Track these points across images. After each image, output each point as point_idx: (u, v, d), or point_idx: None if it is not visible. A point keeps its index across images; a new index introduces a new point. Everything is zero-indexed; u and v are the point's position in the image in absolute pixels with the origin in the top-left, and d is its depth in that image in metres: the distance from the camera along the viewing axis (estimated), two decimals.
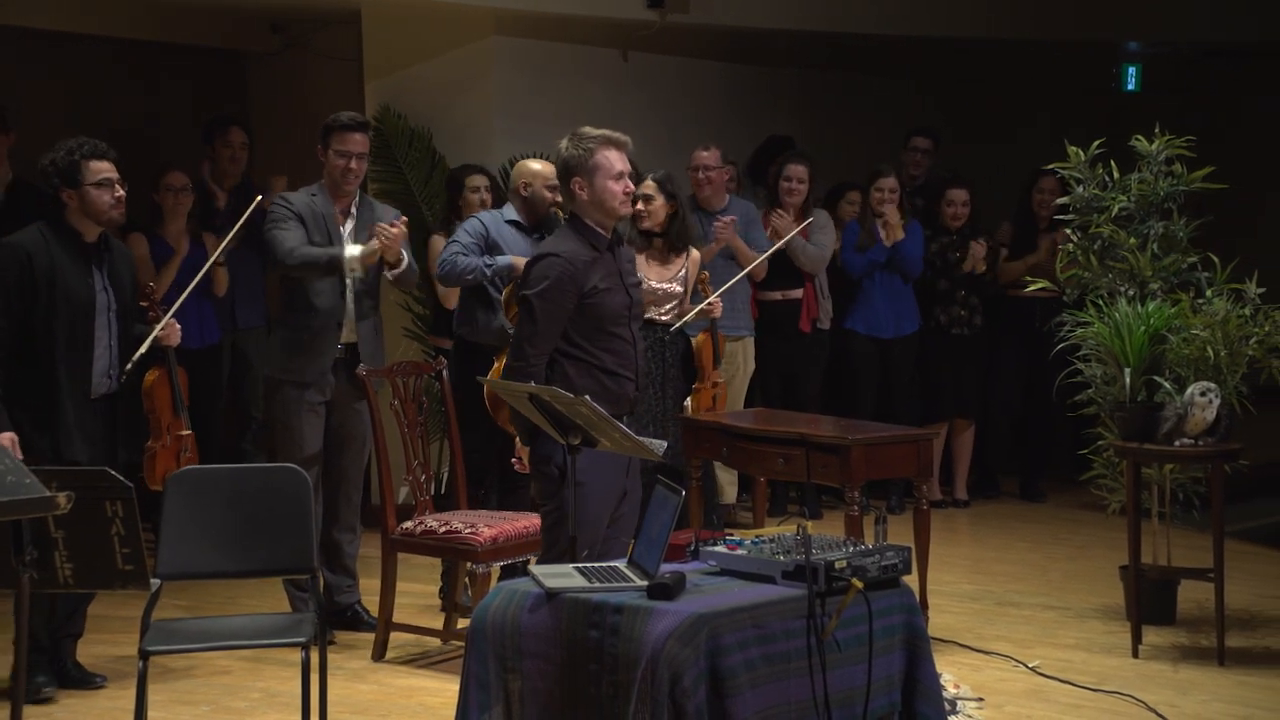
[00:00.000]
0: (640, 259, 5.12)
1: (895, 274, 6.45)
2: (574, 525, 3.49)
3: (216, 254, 5.01)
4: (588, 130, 3.62)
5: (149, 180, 5.82)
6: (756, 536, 3.32)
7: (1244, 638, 4.53)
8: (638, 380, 3.69)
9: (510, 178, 5.20)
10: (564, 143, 3.63)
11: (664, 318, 5.20)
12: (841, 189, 6.80)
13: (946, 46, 8.28)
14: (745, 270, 5.76)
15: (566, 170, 3.61)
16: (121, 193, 4.11)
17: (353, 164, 4.59)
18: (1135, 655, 4.36)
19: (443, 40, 6.88)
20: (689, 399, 5.25)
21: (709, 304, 5.20)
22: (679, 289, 5.20)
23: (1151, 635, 4.50)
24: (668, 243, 5.18)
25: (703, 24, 7.07)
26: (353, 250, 4.55)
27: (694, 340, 5.37)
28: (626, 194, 3.61)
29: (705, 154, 6.08)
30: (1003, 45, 8.35)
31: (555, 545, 3.65)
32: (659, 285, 5.16)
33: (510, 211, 5.02)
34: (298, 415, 4.60)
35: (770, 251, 5.89)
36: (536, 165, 5.02)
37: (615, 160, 3.58)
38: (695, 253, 5.33)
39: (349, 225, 4.64)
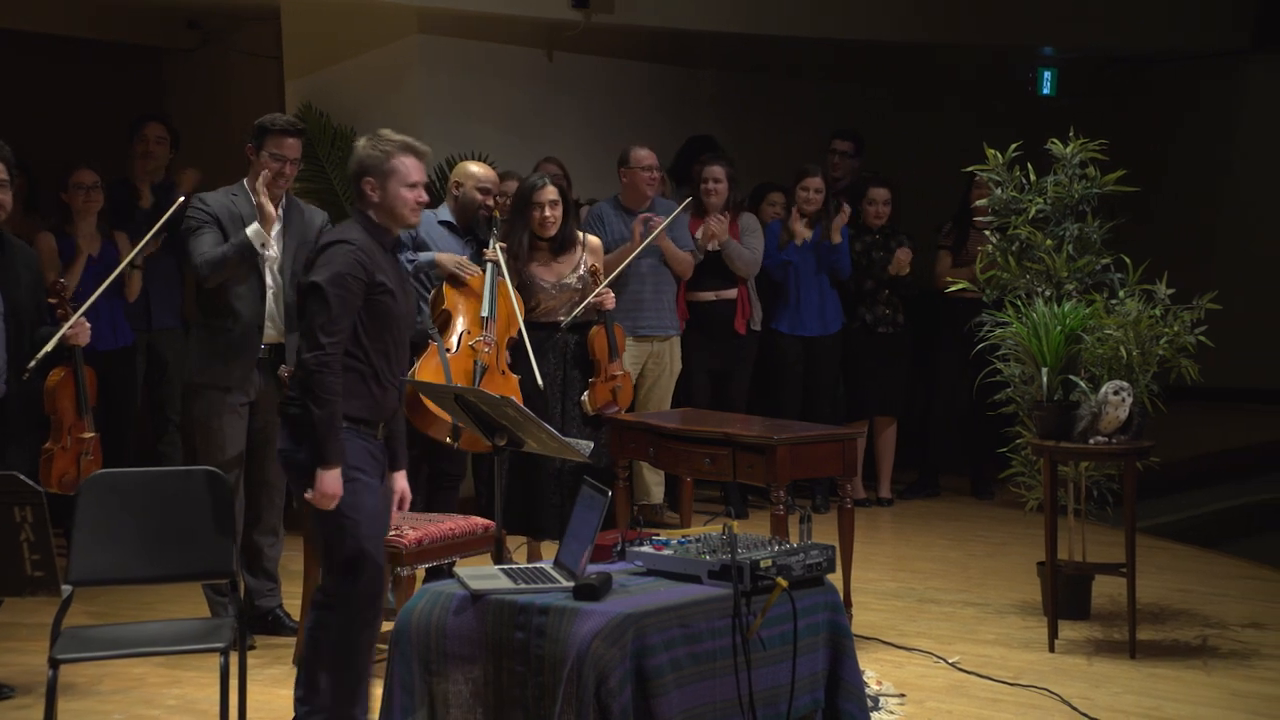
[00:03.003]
0: (533, 262, 5.12)
1: (824, 274, 6.51)
2: (500, 523, 3.48)
3: (131, 256, 4.89)
4: (388, 133, 3.53)
5: (57, 178, 5.68)
6: (683, 536, 3.34)
7: (1154, 631, 4.64)
8: (400, 390, 3.56)
9: (449, 177, 5.21)
10: (361, 141, 3.52)
11: (560, 317, 5.15)
12: (763, 190, 6.84)
13: (869, 50, 8.39)
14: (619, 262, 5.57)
15: (361, 169, 3.48)
16: (5, 195, 4.01)
17: (286, 169, 4.51)
18: (1051, 650, 4.45)
19: (365, 38, 6.81)
20: (584, 394, 5.16)
21: (598, 296, 5.12)
22: (576, 284, 5.14)
23: (1067, 630, 4.59)
24: (557, 242, 5.13)
25: (628, 24, 7.08)
26: (252, 228, 4.45)
27: (588, 335, 5.22)
28: (418, 204, 3.49)
29: (644, 153, 6.05)
30: (923, 49, 8.48)
31: (337, 558, 3.41)
32: (555, 283, 5.13)
33: (445, 211, 5.00)
34: (219, 417, 4.52)
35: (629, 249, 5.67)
36: (474, 168, 5.01)
37: (412, 169, 3.47)
38: (593, 239, 5.29)
39: (276, 228, 4.55)
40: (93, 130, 6.93)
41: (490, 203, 5.06)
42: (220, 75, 7.67)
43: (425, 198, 3.53)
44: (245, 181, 4.59)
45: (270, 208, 4.47)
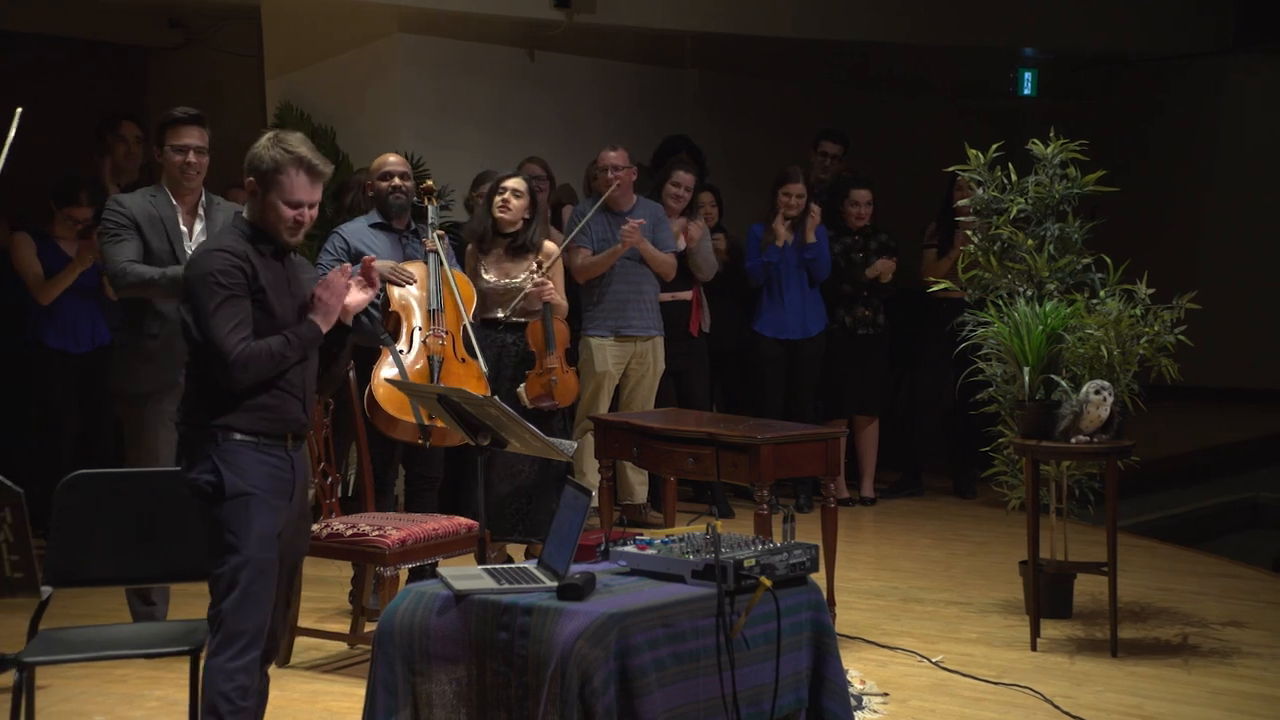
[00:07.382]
0: (486, 259, 5.10)
1: (804, 275, 6.52)
2: (484, 523, 3.47)
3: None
4: (294, 141, 3.20)
5: (42, 182, 5.66)
6: (666, 536, 3.33)
7: (1135, 629, 4.67)
8: (306, 402, 3.26)
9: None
10: (265, 138, 3.22)
11: (500, 314, 5.12)
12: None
13: (852, 50, 8.41)
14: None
15: (248, 165, 3.20)
16: None
17: (191, 157, 4.35)
18: (1034, 648, 4.46)
19: (345, 37, 6.79)
20: (520, 387, 5.08)
21: (536, 285, 5.04)
22: (521, 284, 5.08)
23: (1049, 628, 4.61)
24: (515, 243, 5.09)
25: (610, 24, 7.08)
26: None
27: (527, 328, 5.17)
28: (297, 224, 3.19)
29: (613, 154, 6.07)
30: (906, 49, 8.51)
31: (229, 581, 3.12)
32: (499, 282, 5.09)
33: (374, 215, 4.94)
34: (153, 430, 4.35)
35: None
36: (379, 159, 4.92)
37: (299, 188, 3.16)
38: (550, 245, 5.23)
39: (197, 227, 4.40)
40: (73, 130, 6.89)
41: (397, 184, 4.84)
42: (202, 74, 7.65)
43: (306, 219, 3.19)
44: (163, 181, 4.45)
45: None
